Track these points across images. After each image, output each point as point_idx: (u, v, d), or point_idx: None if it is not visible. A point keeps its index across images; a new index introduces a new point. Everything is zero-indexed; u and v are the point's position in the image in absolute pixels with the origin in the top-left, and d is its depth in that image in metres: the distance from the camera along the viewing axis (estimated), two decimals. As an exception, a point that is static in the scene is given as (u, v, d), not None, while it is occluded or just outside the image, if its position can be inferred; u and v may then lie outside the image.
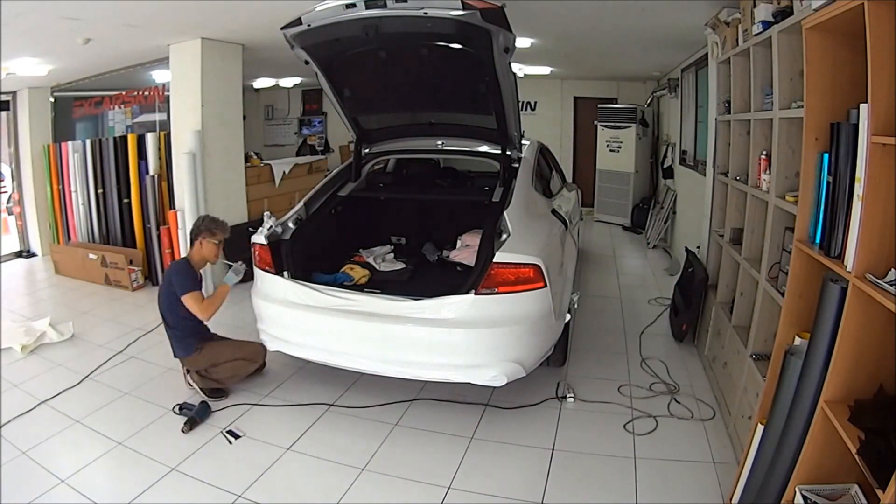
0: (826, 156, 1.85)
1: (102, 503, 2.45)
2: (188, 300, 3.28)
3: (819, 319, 1.76)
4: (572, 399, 3.33)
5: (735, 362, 3.02)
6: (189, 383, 3.41)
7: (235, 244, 5.57)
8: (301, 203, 3.81)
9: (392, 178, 4.73)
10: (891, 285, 1.47)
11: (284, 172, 6.82)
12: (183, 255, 5.20)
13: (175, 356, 3.44)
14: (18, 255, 7.20)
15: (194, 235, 3.45)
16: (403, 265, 4.09)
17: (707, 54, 4.51)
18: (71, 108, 7.02)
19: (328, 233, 3.95)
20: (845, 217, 1.70)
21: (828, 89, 1.92)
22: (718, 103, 3.95)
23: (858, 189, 1.59)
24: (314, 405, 3.30)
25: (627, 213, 8.53)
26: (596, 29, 5.02)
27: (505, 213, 3.18)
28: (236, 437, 2.99)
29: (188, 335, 3.40)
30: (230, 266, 3.51)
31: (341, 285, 3.42)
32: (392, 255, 4.27)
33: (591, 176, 9.12)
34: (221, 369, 3.40)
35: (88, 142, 6.30)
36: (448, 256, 4.03)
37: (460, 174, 4.99)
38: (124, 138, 5.98)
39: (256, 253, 3.45)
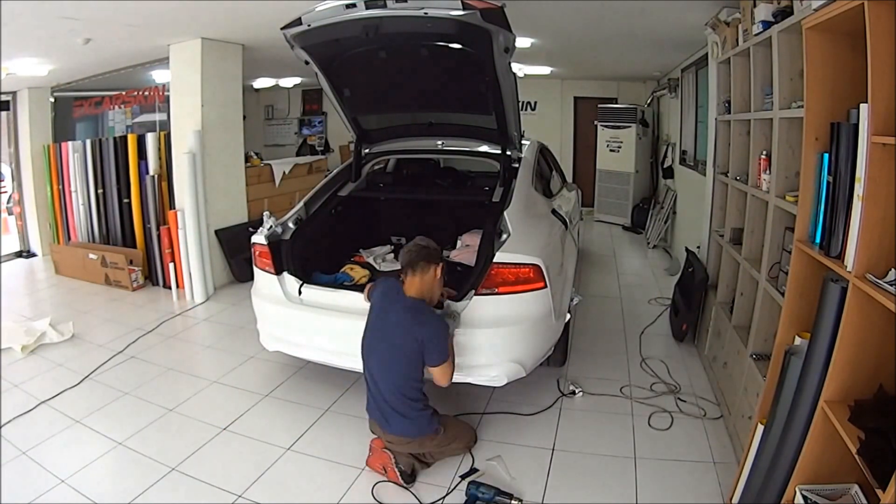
0: (826, 156, 1.85)
1: (102, 503, 2.45)
2: (445, 370, 2.56)
3: (819, 319, 1.76)
4: (581, 393, 3.36)
5: (735, 362, 3.02)
6: (388, 467, 2.60)
7: (235, 244, 5.61)
8: (301, 203, 3.80)
9: (392, 178, 4.73)
10: (891, 285, 1.47)
11: (284, 172, 6.82)
12: (184, 255, 5.23)
13: (406, 434, 2.60)
14: (18, 255, 7.20)
15: (431, 259, 2.63)
16: (403, 265, 4.08)
17: (707, 54, 4.51)
18: (71, 108, 7.02)
19: (328, 233, 3.95)
20: (845, 217, 1.70)
21: (828, 89, 1.93)
22: (718, 103, 3.95)
23: (858, 189, 1.59)
24: (315, 405, 3.30)
25: (627, 213, 8.53)
26: (596, 29, 5.02)
27: (505, 213, 3.18)
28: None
29: (427, 406, 2.66)
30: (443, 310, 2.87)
31: (341, 285, 3.41)
32: (392, 255, 4.27)
33: (592, 176, 9.11)
34: (447, 450, 2.74)
35: (88, 142, 6.30)
36: (448, 257, 4.03)
37: (460, 174, 4.99)
38: (124, 138, 5.98)
39: (256, 253, 3.44)
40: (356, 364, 3.11)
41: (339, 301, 3.16)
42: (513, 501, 2.41)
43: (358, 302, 3.07)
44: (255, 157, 6.57)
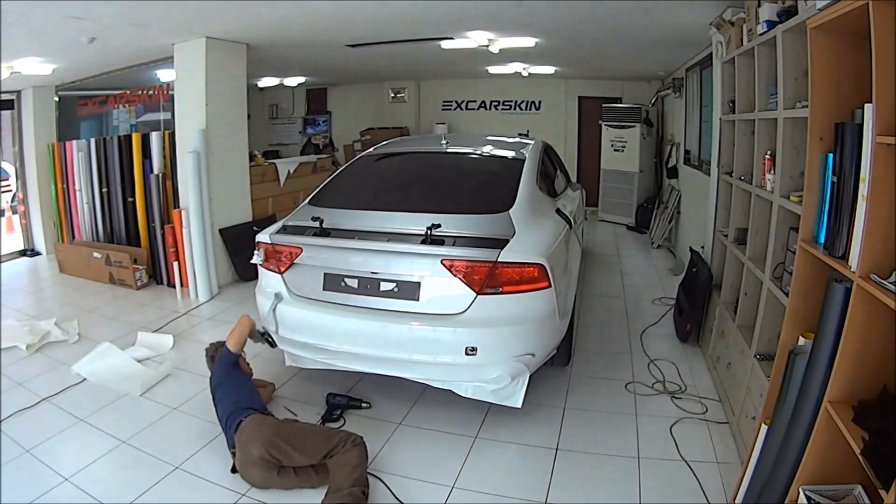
0: (831, 156, 1.85)
1: (106, 502, 2.46)
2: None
3: (823, 320, 1.76)
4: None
5: (739, 362, 3.02)
6: None
7: (239, 242, 5.62)
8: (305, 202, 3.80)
9: None
10: (895, 285, 1.47)
11: (289, 171, 6.83)
12: (188, 254, 5.26)
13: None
14: (23, 253, 7.23)
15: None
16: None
17: (711, 54, 4.50)
18: (75, 107, 7.05)
19: None
20: (850, 217, 1.70)
21: (832, 89, 1.92)
22: (723, 103, 3.94)
23: (863, 189, 1.59)
24: (315, 402, 3.31)
25: (632, 213, 8.51)
26: (600, 28, 5.01)
27: (510, 212, 3.18)
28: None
29: None
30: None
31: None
32: None
33: (596, 175, 9.10)
34: None
35: (93, 140, 6.33)
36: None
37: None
38: (129, 137, 6.01)
39: (262, 251, 3.44)
40: (359, 364, 3.11)
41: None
42: (363, 405, 3.21)
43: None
44: (258, 156, 6.58)
